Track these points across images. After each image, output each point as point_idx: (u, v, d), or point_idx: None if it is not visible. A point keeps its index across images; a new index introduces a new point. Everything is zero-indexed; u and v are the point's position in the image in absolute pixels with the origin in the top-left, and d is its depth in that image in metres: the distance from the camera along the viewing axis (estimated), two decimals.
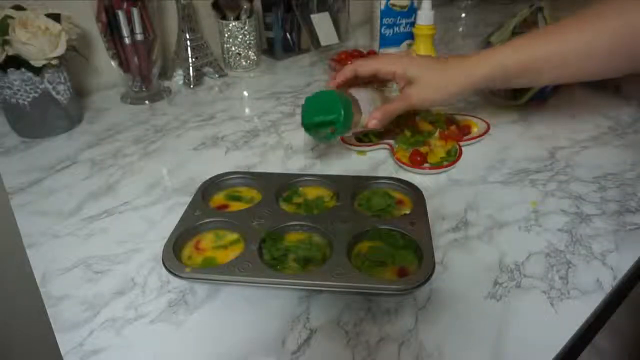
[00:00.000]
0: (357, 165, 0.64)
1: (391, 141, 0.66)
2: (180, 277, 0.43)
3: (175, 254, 0.45)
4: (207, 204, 0.52)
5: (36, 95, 0.70)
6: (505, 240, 0.50)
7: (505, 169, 0.61)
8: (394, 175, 0.58)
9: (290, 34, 1.03)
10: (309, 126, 0.58)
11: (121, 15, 0.76)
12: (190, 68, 0.90)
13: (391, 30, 0.93)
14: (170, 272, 0.43)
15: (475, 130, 0.69)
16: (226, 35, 0.94)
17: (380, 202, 0.52)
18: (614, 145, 0.66)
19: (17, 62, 0.66)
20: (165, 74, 0.92)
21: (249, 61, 0.97)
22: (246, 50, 0.96)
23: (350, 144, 0.67)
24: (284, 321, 0.42)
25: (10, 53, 0.65)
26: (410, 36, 0.90)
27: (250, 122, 0.76)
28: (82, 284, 0.46)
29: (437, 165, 0.61)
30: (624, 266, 0.46)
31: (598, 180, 0.58)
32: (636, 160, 0.62)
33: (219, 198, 0.55)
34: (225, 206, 0.53)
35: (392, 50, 0.95)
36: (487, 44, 0.80)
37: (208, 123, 0.77)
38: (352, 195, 0.53)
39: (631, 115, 0.73)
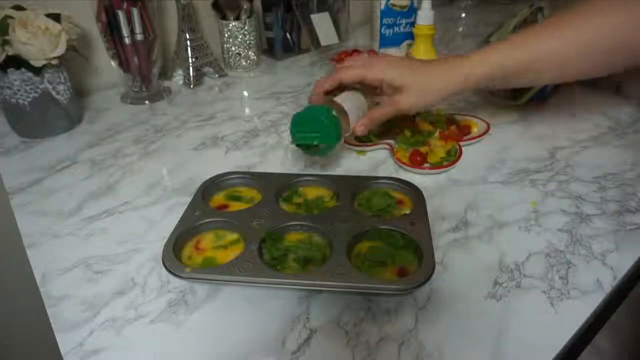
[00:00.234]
0: (357, 165, 0.64)
1: (391, 141, 0.66)
2: (180, 277, 0.43)
3: (175, 254, 0.45)
4: (207, 204, 0.52)
5: (36, 95, 0.70)
6: (505, 240, 0.50)
7: (505, 169, 0.61)
8: (394, 175, 0.58)
9: (290, 34, 1.03)
10: (299, 145, 0.58)
11: (121, 15, 0.76)
12: (190, 68, 0.90)
13: (391, 30, 0.93)
14: (170, 272, 0.43)
15: (475, 130, 0.69)
16: (226, 35, 0.94)
17: (380, 202, 0.52)
18: (614, 145, 0.66)
19: (17, 62, 0.66)
20: (165, 74, 0.92)
21: (249, 61, 0.97)
22: (246, 50, 0.96)
23: (351, 144, 0.67)
24: (284, 321, 0.42)
25: (10, 53, 0.65)
26: (410, 36, 0.90)
27: (250, 122, 0.76)
28: (82, 284, 0.46)
29: (437, 165, 0.61)
30: (624, 266, 0.46)
31: (598, 180, 0.58)
32: (636, 160, 0.62)
33: (219, 198, 0.55)
34: (225, 206, 0.53)
35: (392, 50, 0.95)
36: (487, 44, 0.80)
37: (208, 123, 0.77)
38: (352, 195, 0.53)
39: (631, 115, 0.73)
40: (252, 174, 0.58)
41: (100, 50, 0.85)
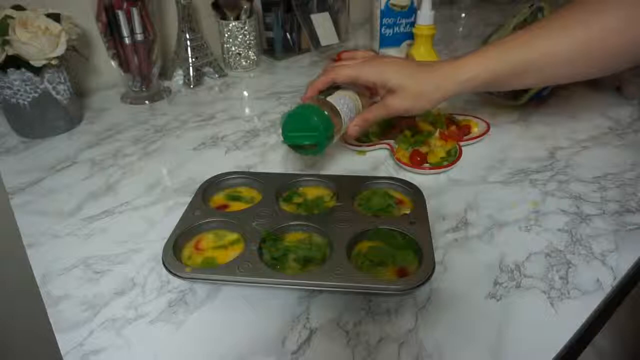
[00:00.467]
0: (357, 165, 0.64)
1: (391, 141, 0.66)
2: (180, 277, 0.43)
3: (175, 254, 0.45)
4: (207, 204, 0.52)
5: (36, 95, 0.70)
6: (505, 240, 0.50)
7: (505, 169, 0.61)
8: (394, 175, 0.58)
9: (290, 34, 1.03)
10: (290, 145, 0.57)
11: (121, 15, 0.76)
12: (190, 68, 0.90)
13: (391, 30, 0.93)
14: (170, 272, 0.43)
15: (475, 130, 0.69)
16: (226, 35, 0.94)
17: (380, 202, 0.52)
18: (614, 145, 0.66)
19: (17, 62, 0.66)
20: (165, 74, 0.92)
21: (249, 61, 0.97)
22: (246, 50, 0.96)
23: (350, 144, 0.67)
24: (284, 321, 0.42)
25: (10, 53, 0.65)
26: (410, 36, 0.90)
27: (250, 122, 0.76)
28: (82, 284, 0.46)
29: (437, 165, 0.61)
30: (624, 266, 0.46)
31: (598, 180, 0.58)
32: (636, 160, 0.62)
33: (219, 198, 0.55)
34: (225, 206, 0.53)
35: (392, 50, 0.95)
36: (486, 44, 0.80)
37: (208, 123, 0.77)
38: (352, 195, 0.53)
39: (631, 115, 0.73)
40: (252, 174, 0.58)
41: (100, 50, 0.85)
